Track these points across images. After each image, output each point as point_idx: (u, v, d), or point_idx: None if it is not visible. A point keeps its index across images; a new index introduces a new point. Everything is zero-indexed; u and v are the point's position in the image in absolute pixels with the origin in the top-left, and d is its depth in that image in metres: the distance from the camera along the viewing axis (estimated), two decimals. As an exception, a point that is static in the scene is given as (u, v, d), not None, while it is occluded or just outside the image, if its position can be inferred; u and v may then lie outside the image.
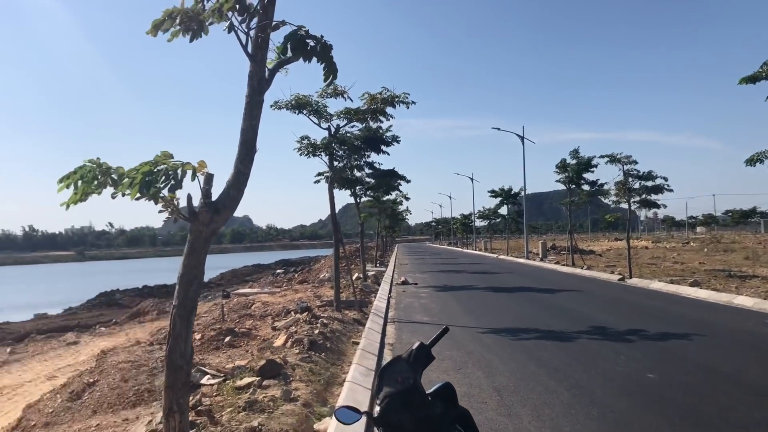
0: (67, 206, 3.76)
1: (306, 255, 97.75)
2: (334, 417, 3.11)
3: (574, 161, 33.37)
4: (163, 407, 3.87)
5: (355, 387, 7.67)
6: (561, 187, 35.23)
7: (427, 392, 2.98)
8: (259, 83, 4.08)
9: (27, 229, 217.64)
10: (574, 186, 34.11)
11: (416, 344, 3.12)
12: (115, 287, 46.83)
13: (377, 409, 2.89)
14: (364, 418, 3.02)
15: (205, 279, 50.13)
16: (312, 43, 4.24)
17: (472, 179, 68.07)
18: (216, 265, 57.12)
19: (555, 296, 19.16)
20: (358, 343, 11.07)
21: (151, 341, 12.97)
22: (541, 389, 7.82)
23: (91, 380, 9.22)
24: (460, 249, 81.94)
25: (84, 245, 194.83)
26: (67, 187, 3.66)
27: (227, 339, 11.87)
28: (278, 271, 50.55)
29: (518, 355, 10.04)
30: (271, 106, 14.86)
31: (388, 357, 10.31)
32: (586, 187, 34.01)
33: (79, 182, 3.67)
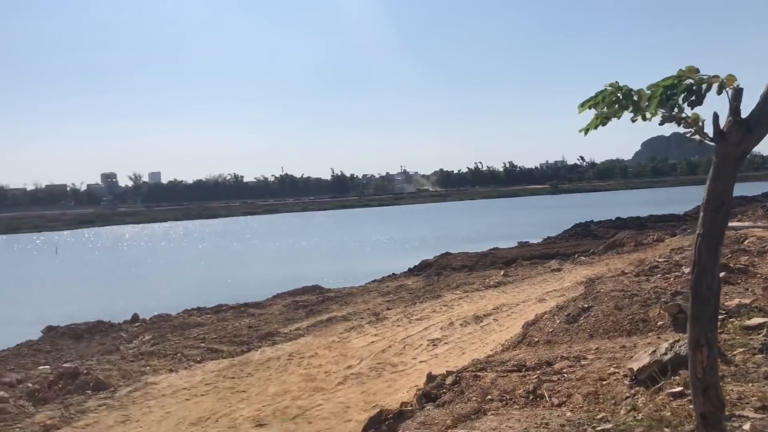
0: (586, 131, 3.78)
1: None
2: None
3: None
4: (689, 340, 3.67)
5: None
6: None
7: None
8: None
9: (507, 165, 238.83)
10: None
11: None
12: (587, 219, 48.13)
13: None
14: None
15: (681, 212, 47.37)
16: None
17: None
18: (689, 198, 53.06)
19: None
20: None
21: (637, 272, 12.86)
22: None
23: (585, 305, 9.59)
24: None
25: (557, 179, 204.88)
26: (589, 108, 3.66)
27: (722, 275, 11.00)
28: (768, 203, 44.79)
29: None
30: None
31: None
32: None
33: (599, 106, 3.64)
